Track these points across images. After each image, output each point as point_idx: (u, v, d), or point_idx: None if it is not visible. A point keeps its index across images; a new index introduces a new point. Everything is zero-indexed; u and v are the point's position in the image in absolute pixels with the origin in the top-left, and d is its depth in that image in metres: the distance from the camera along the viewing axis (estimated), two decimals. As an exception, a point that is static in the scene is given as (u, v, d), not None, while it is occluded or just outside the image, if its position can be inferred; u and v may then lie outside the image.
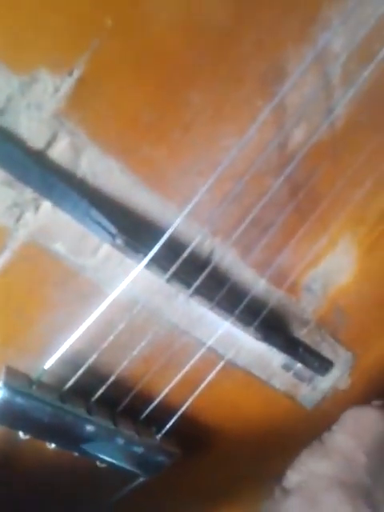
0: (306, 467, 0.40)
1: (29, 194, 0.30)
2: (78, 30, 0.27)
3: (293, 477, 0.40)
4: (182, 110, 0.31)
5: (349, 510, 0.35)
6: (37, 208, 0.30)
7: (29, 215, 0.30)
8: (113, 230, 0.30)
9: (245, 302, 0.36)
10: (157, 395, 0.38)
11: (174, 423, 0.40)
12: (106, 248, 0.33)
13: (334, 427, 0.43)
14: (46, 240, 0.31)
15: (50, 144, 0.29)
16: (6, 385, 0.31)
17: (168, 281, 0.33)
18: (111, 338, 0.33)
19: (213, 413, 0.43)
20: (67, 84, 0.28)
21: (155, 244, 0.32)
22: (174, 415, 0.39)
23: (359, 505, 0.36)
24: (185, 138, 0.32)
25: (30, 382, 0.33)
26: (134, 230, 0.32)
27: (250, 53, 0.32)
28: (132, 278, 0.32)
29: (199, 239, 0.34)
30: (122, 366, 0.36)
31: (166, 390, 0.38)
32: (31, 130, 0.28)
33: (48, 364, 0.33)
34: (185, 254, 0.33)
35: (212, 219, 0.35)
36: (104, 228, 0.30)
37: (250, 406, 0.45)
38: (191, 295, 0.35)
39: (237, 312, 0.37)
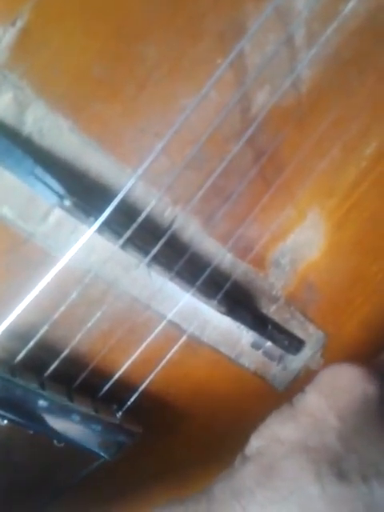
0: (270, 431, 0.36)
1: (-30, 152, 0.28)
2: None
3: (254, 442, 0.36)
4: (136, 65, 0.30)
5: (310, 478, 0.31)
6: (-21, 168, 0.28)
7: (-29, 177, 0.28)
8: (60, 190, 0.28)
9: (206, 273, 0.34)
10: (115, 372, 0.37)
11: (137, 401, 0.38)
12: (57, 214, 0.32)
13: (308, 388, 0.39)
14: (-9, 203, 0.29)
15: (-10, 98, 0.27)
16: None
17: (122, 247, 0.31)
18: (63, 308, 0.31)
19: (179, 391, 0.41)
20: (10, 35, 0.27)
21: (105, 208, 0.30)
22: (134, 393, 0.37)
23: (324, 473, 0.31)
24: (140, 96, 0.31)
25: (-24, 353, 0.31)
26: (85, 193, 0.31)
27: (208, 6, 0.30)
28: (82, 242, 0.30)
29: (155, 204, 0.32)
30: (75, 340, 0.34)
31: (125, 366, 0.37)
32: (-31, 83, 0.26)
33: (-6, 334, 0.31)
34: (139, 219, 0.31)
35: (172, 185, 0.33)
36: (51, 188, 0.28)
37: (218, 385, 0.43)
38: (148, 264, 0.33)
39: (198, 283, 0.35)
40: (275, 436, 0.35)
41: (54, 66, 0.28)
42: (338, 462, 0.32)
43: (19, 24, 0.27)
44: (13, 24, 0.26)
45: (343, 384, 0.37)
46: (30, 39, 0.27)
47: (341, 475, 0.31)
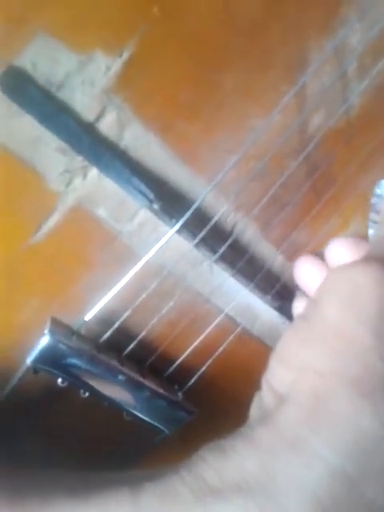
0: (299, 359, 0.30)
1: (79, 161, 0.34)
2: (130, 15, 0.31)
3: (284, 374, 0.30)
4: (216, 90, 0.35)
5: (368, 416, 0.26)
6: (85, 175, 0.34)
7: (77, 181, 0.34)
8: (151, 195, 0.34)
9: (262, 272, 0.40)
10: (179, 356, 0.42)
11: (194, 384, 0.43)
12: (141, 215, 0.37)
13: (320, 297, 0.32)
14: (91, 205, 0.35)
15: (99, 117, 0.33)
16: (51, 332, 0.34)
17: (196, 246, 0.37)
18: (143, 296, 0.37)
19: (229, 378, 0.46)
20: (117, 64, 0.32)
21: (185, 212, 0.36)
22: (193, 376, 0.43)
23: (381, 406, 0.26)
24: (216, 117, 0.36)
25: (71, 331, 0.36)
26: (167, 198, 0.36)
27: (277, 42, 0.36)
28: (165, 240, 0.36)
29: (224, 210, 0.38)
30: (150, 326, 0.39)
31: (187, 352, 0.42)
32: (84, 104, 0.32)
33: (88, 316, 0.37)
34: (212, 222, 0.37)
35: (236, 194, 0.38)
36: (143, 194, 0.34)
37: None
38: (216, 261, 0.38)
39: (255, 280, 0.40)
40: (308, 365, 0.29)
41: (150, 91, 0.34)
42: None
43: (125, 55, 0.32)
44: (120, 55, 0.32)
45: (366, 290, 0.30)
46: (132, 68, 0.33)
47: None
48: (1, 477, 0.29)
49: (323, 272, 0.39)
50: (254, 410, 0.33)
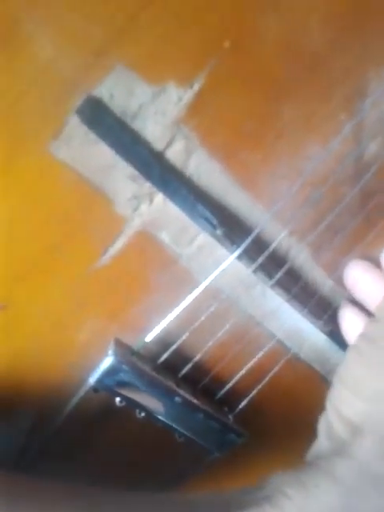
0: (372, 389, 0.29)
1: (146, 188, 0.35)
2: (203, 49, 0.33)
3: (360, 404, 0.30)
4: (276, 121, 0.36)
5: None
6: (151, 200, 0.36)
7: (144, 207, 0.36)
8: (214, 221, 0.35)
9: (315, 297, 0.41)
10: (230, 379, 0.43)
11: (243, 407, 0.43)
12: (199, 240, 0.38)
13: (380, 313, 0.33)
14: (155, 229, 0.36)
15: (168, 146, 0.34)
16: (114, 353, 0.35)
17: (254, 271, 0.38)
18: (202, 318, 0.38)
19: (277, 401, 0.47)
20: (188, 95, 0.33)
21: (244, 238, 0.37)
22: (242, 400, 0.43)
23: None
24: (276, 145, 0.37)
25: (132, 352, 0.37)
26: (228, 224, 0.37)
27: (338, 74, 0.37)
28: (226, 265, 0.37)
29: (282, 237, 0.39)
30: (206, 348, 0.40)
31: (239, 376, 0.43)
32: (155, 133, 0.34)
33: (149, 338, 0.37)
34: (270, 248, 0.38)
35: (291, 220, 0.39)
36: (207, 220, 0.35)
37: (309, 399, 0.49)
38: (272, 286, 0.39)
39: (309, 305, 0.41)
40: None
41: (216, 121, 0.35)
42: None
43: (196, 87, 0.34)
44: (191, 86, 0.33)
45: None
46: (201, 99, 0.34)
47: None
48: (69, 494, 0.29)
49: (378, 281, 0.38)
50: (323, 439, 0.33)
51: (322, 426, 0.32)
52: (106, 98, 0.32)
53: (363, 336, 0.33)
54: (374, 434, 0.28)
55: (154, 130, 0.33)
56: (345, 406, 0.31)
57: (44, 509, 0.26)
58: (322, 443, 0.32)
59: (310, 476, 0.27)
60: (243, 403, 0.43)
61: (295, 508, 0.26)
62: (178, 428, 0.40)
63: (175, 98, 0.33)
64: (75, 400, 0.37)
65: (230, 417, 0.43)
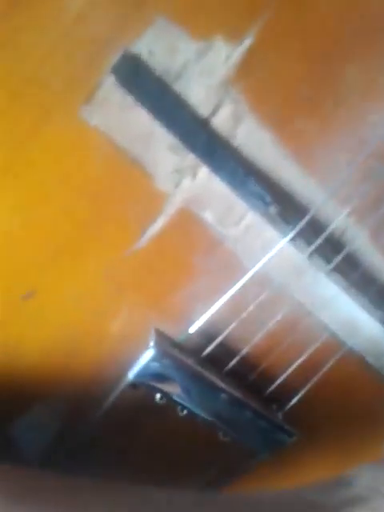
0: None
1: (189, 160, 0.31)
2: (252, 1, 0.28)
3: None
4: (336, 85, 0.32)
5: None
6: (194, 175, 0.32)
7: (186, 182, 0.32)
8: (268, 198, 0.31)
9: (376, 285, 0.36)
10: (279, 375, 0.39)
11: (293, 405, 0.39)
12: (247, 220, 0.34)
13: None
14: (198, 207, 0.32)
15: (214, 112, 0.30)
16: (156, 345, 0.32)
17: (310, 256, 0.33)
18: (251, 308, 0.34)
19: (327, 399, 0.43)
20: (237, 52, 0.29)
21: (298, 218, 0.32)
22: (293, 396, 0.39)
23: None
24: (335, 113, 0.33)
25: (174, 344, 0.34)
26: (280, 201, 0.33)
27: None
28: (279, 247, 0.32)
29: (341, 217, 0.34)
30: (254, 341, 0.36)
31: (289, 371, 0.39)
32: (200, 96, 0.30)
33: (193, 328, 0.34)
34: (328, 230, 0.33)
35: (351, 198, 0.35)
36: (259, 196, 0.31)
37: (362, 394, 0.44)
38: (329, 272, 0.35)
39: (369, 294, 0.36)
40: None
41: (268, 84, 0.31)
42: None
43: (246, 43, 0.29)
44: (241, 43, 0.29)
45: None
46: (253, 58, 0.30)
47: None
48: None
49: None
50: None
51: None
52: (144, 55, 0.28)
53: None
54: None
55: (198, 92, 0.29)
56: None
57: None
58: None
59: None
60: (294, 400, 0.39)
61: None
62: (224, 427, 0.37)
63: (223, 56, 0.29)
64: (113, 396, 0.33)
65: (280, 415, 0.39)
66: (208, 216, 0.33)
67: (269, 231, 0.34)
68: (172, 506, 0.25)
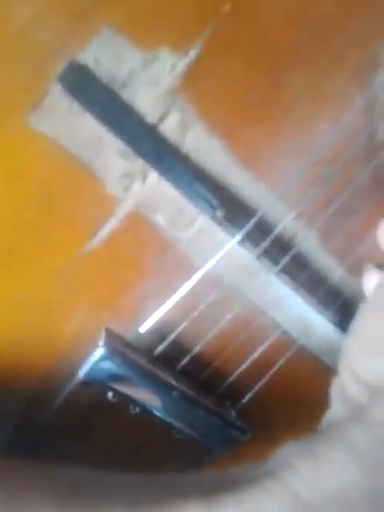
0: None
1: (139, 165, 0.32)
2: (199, 12, 0.30)
3: (374, 363, 0.27)
4: (283, 93, 0.33)
5: None
6: (144, 179, 0.32)
7: (136, 186, 0.33)
8: (214, 202, 0.32)
9: (324, 285, 0.37)
10: (232, 372, 0.40)
11: (246, 402, 0.41)
12: (199, 223, 0.35)
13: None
14: (149, 211, 0.33)
15: (162, 119, 0.31)
16: (105, 344, 0.32)
17: (258, 257, 0.35)
18: (202, 307, 0.35)
19: (281, 396, 0.44)
20: (183, 63, 0.30)
21: (246, 221, 0.33)
22: (246, 394, 0.40)
23: None
24: (282, 120, 0.34)
25: (125, 343, 0.34)
26: (228, 205, 0.34)
27: (350, 43, 0.33)
28: (227, 249, 0.33)
29: (288, 219, 0.35)
30: (206, 339, 0.37)
31: (242, 369, 0.40)
32: (147, 104, 0.31)
33: (144, 328, 0.35)
34: (276, 231, 0.34)
35: (298, 202, 0.36)
36: (206, 200, 0.32)
37: (317, 392, 0.45)
38: (277, 273, 0.36)
39: (317, 294, 0.38)
40: None
41: (215, 93, 0.32)
42: None
43: (192, 54, 0.30)
44: (186, 53, 0.30)
45: None
46: (199, 68, 0.31)
47: None
48: (48, 475, 0.26)
49: None
50: (336, 403, 0.29)
51: (334, 392, 0.29)
52: (91, 64, 0.29)
53: (375, 290, 0.30)
54: None
55: (145, 100, 0.30)
56: (360, 366, 0.27)
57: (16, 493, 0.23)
58: (335, 410, 0.28)
59: (322, 445, 0.23)
60: (247, 397, 0.40)
61: (304, 483, 0.22)
62: (177, 424, 0.38)
63: (169, 66, 0.30)
64: (64, 394, 0.34)
65: (233, 412, 0.40)
66: (159, 219, 0.34)
67: (219, 234, 0.35)
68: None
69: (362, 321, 0.29)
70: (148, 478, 0.24)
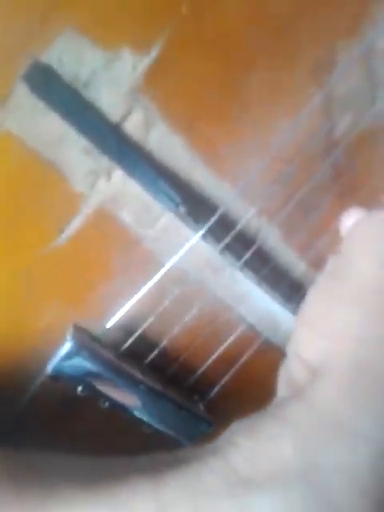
0: (332, 325, 0.26)
1: (104, 162, 0.33)
2: (158, 13, 0.31)
3: (317, 343, 0.26)
4: (242, 91, 0.34)
5: None
6: (109, 177, 0.33)
7: (102, 183, 0.33)
8: (177, 198, 0.33)
9: (287, 279, 0.39)
10: (200, 366, 0.41)
11: (214, 395, 0.42)
12: (164, 220, 0.36)
13: (348, 249, 0.29)
14: (114, 208, 0.34)
15: (125, 117, 0.32)
16: (73, 339, 0.33)
17: (221, 252, 0.36)
18: (167, 302, 0.36)
19: (248, 387, 0.45)
20: (144, 63, 0.31)
21: (209, 217, 0.35)
22: (213, 387, 0.41)
23: None
24: (242, 118, 0.35)
25: (93, 338, 0.35)
26: (191, 202, 0.35)
27: (306, 41, 0.35)
28: (190, 245, 0.34)
29: (249, 215, 0.37)
30: (172, 334, 0.38)
31: (208, 362, 0.41)
32: (110, 103, 0.32)
33: (110, 324, 0.35)
34: (238, 227, 0.35)
35: (260, 198, 0.37)
36: (169, 197, 0.33)
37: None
38: (240, 268, 0.37)
39: (280, 288, 0.39)
40: (345, 331, 0.25)
41: (176, 91, 0.33)
42: None
43: (153, 54, 0.31)
44: (147, 53, 0.31)
45: None
46: (159, 68, 0.32)
47: None
48: (3, 456, 0.26)
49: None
50: (282, 386, 0.29)
51: (282, 376, 0.29)
52: (54, 64, 0.30)
53: (327, 273, 0.29)
54: (333, 375, 0.24)
55: (108, 99, 0.31)
56: (304, 347, 0.27)
57: None
58: (281, 393, 0.28)
59: (261, 424, 0.24)
60: (214, 391, 0.41)
61: (242, 457, 0.23)
62: (145, 418, 0.38)
63: (130, 66, 0.31)
64: (33, 389, 0.34)
65: (201, 405, 0.41)
66: (125, 216, 0.35)
67: (183, 230, 0.36)
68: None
69: (309, 302, 0.29)
70: (102, 460, 0.25)
